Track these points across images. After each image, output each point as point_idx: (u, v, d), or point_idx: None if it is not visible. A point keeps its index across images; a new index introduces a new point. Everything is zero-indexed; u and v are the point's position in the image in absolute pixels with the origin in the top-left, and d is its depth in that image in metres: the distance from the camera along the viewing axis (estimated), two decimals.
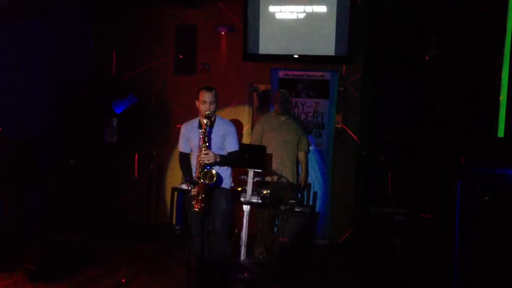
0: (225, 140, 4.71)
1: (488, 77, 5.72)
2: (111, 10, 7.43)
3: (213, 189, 4.63)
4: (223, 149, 4.72)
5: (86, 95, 7.11)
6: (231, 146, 4.73)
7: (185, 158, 4.80)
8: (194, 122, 4.74)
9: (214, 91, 4.67)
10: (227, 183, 4.77)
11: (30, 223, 6.22)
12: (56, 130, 6.71)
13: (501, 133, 5.32)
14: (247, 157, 5.62)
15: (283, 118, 6.16)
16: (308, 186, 6.48)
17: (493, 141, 5.33)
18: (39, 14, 6.34)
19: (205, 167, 4.48)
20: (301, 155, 6.24)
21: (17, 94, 6.13)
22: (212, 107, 4.62)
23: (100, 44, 7.48)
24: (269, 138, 6.07)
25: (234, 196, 5.04)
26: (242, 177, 5.76)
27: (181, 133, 4.82)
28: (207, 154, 4.49)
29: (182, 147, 4.83)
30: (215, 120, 4.72)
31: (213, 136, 4.65)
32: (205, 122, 4.51)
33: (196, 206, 4.53)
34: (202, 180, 4.47)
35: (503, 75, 5.39)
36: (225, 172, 4.74)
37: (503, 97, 5.29)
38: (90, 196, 7.03)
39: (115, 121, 6.94)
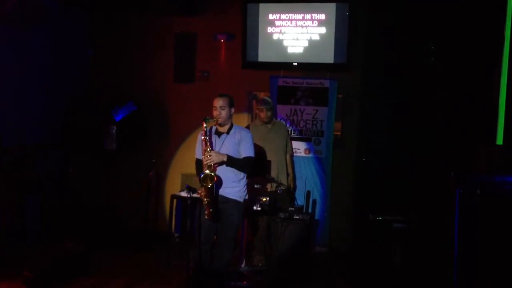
0: (239, 146, 4.70)
1: (487, 84, 5.73)
2: (111, 18, 7.45)
3: (226, 200, 4.61)
4: (239, 156, 4.70)
5: (85, 102, 7.12)
6: (244, 151, 4.69)
7: (200, 165, 4.70)
8: (212, 129, 4.74)
9: (226, 97, 4.71)
10: (241, 195, 4.73)
11: (29, 231, 6.21)
12: (55, 137, 6.72)
13: (499, 140, 5.32)
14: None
15: (269, 126, 6.17)
16: (307, 193, 6.48)
17: (491, 149, 5.34)
18: (39, 22, 6.36)
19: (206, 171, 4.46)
20: (287, 158, 6.26)
21: (16, 101, 6.15)
22: (224, 112, 4.64)
23: (100, 52, 7.50)
24: (260, 147, 6.05)
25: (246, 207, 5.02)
26: None
27: (197, 140, 4.80)
28: (210, 155, 4.48)
29: (197, 153, 4.81)
30: (231, 127, 4.74)
31: (228, 143, 4.66)
32: (205, 125, 4.51)
33: (206, 211, 4.54)
34: (204, 185, 4.45)
35: (501, 82, 5.40)
36: (240, 183, 4.71)
37: (501, 104, 5.30)
38: (89, 204, 7.02)
39: (114, 128, 6.94)
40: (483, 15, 5.72)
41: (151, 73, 7.45)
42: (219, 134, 4.70)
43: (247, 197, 4.83)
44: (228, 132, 4.70)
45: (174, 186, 7.17)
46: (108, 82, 7.40)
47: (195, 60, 7.39)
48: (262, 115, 6.12)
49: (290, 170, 6.30)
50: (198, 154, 4.77)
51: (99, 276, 5.48)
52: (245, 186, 4.78)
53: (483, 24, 5.73)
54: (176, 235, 6.73)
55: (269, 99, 6.27)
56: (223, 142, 4.66)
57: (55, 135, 6.74)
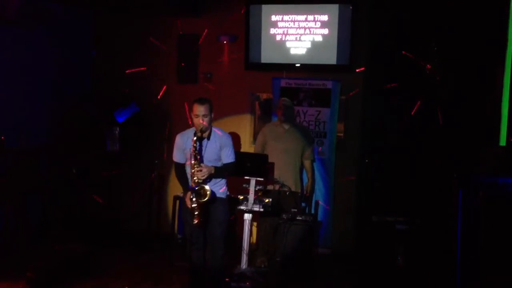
0: (221, 151, 4.70)
1: (490, 85, 5.71)
2: (113, 19, 7.47)
3: (209, 200, 4.62)
4: (220, 161, 4.72)
5: (88, 103, 7.13)
6: (227, 157, 4.71)
7: (180, 168, 4.76)
8: (190, 132, 4.67)
9: (207, 104, 4.60)
10: (223, 192, 4.77)
11: (31, 232, 6.22)
12: (58, 138, 6.73)
13: (502, 141, 5.31)
14: (248, 165, 5.63)
15: (286, 127, 6.16)
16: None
17: (495, 150, 5.32)
18: (41, 23, 6.37)
19: (199, 184, 4.47)
20: (307, 164, 6.24)
21: (19, 102, 6.16)
22: (206, 120, 4.56)
23: (103, 53, 7.51)
24: (272, 147, 6.07)
25: (231, 204, 5.05)
26: (244, 185, 5.75)
27: (176, 144, 4.76)
28: (200, 170, 4.48)
29: (176, 157, 4.78)
30: (211, 132, 4.69)
31: (210, 149, 4.64)
32: (195, 139, 4.48)
33: (195, 220, 4.54)
34: (196, 199, 4.46)
35: (504, 83, 5.40)
36: (220, 182, 4.74)
37: (504, 105, 5.29)
38: (92, 205, 7.03)
39: (117, 129, 6.95)
40: (485, 16, 5.71)
41: (154, 74, 7.46)
42: (200, 139, 4.60)
43: (228, 193, 4.86)
44: (208, 138, 4.66)
45: (176, 187, 7.13)
46: (111, 83, 7.41)
47: (198, 62, 7.40)
48: (280, 112, 6.15)
49: (309, 176, 6.29)
50: (178, 158, 4.76)
51: (102, 277, 5.49)
52: (225, 184, 4.80)
53: (486, 25, 5.72)
54: (179, 236, 6.72)
55: (287, 99, 6.27)
56: (205, 148, 4.63)
57: (58, 136, 6.75)
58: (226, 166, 4.72)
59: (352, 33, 6.67)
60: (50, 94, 6.65)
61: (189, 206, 4.53)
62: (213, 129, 4.73)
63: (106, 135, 6.97)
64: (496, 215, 4.27)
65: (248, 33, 7.03)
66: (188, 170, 4.67)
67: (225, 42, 7.22)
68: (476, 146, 5.59)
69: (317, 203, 6.63)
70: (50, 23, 6.53)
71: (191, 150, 4.50)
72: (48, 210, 6.56)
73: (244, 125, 7.20)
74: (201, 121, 4.54)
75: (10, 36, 6.01)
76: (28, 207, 6.23)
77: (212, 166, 4.59)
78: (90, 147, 6.96)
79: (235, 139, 6.32)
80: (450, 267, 4.47)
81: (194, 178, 4.49)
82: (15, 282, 5.10)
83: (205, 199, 4.45)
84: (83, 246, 5.76)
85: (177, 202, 6.33)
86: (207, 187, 4.47)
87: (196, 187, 4.46)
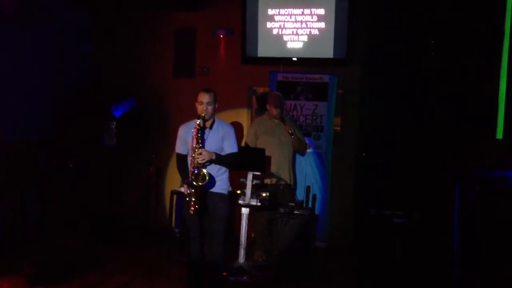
0: (223, 142, 4.70)
1: (487, 79, 5.72)
2: (110, 14, 7.44)
3: (211, 194, 4.61)
4: (222, 151, 4.72)
5: (85, 98, 7.12)
6: (229, 148, 4.68)
7: (182, 160, 4.74)
8: (193, 123, 4.65)
9: (212, 93, 4.62)
10: (224, 188, 4.72)
11: (30, 227, 6.22)
12: (56, 133, 6.73)
13: (499, 135, 5.32)
14: (246, 160, 5.63)
15: (276, 121, 6.15)
16: (307, 188, 6.48)
17: (491, 143, 5.33)
18: (39, 18, 6.35)
19: (198, 168, 4.45)
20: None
21: (16, 97, 6.15)
22: (210, 108, 4.57)
23: (100, 47, 7.49)
24: (264, 141, 6.05)
25: (232, 199, 5.04)
26: (242, 179, 5.76)
27: (178, 135, 4.76)
28: (200, 153, 4.46)
29: (179, 148, 4.76)
30: (214, 122, 4.69)
31: (211, 138, 4.63)
32: (198, 122, 4.48)
33: (191, 207, 4.51)
34: (195, 183, 4.45)
35: (501, 76, 5.40)
36: (222, 176, 4.70)
37: (501, 98, 5.30)
38: (89, 200, 7.03)
39: (114, 124, 6.94)
40: (483, 9, 5.71)
41: (151, 69, 7.45)
42: (202, 129, 4.59)
43: (230, 189, 4.82)
44: (211, 127, 4.65)
45: (174, 182, 7.17)
46: (108, 77, 7.40)
47: (195, 56, 7.39)
48: (275, 110, 6.09)
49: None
50: (180, 149, 4.75)
51: (100, 272, 5.49)
52: (228, 178, 4.77)
53: (483, 18, 5.72)
54: (176, 230, 6.74)
55: (280, 95, 6.25)
56: (207, 137, 4.63)
57: (56, 131, 6.74)
58: (228, 155, 4.69)
59: (349, 26, 6.66)
60: (48, 90, 6.64)
61: (186, 192, 4.51)
62: (216, 119, 4.74)
63: (103, 129, 6.96)
64: (493, 209, 4.29)
65: (244, 27, 7.01)
66: (189, 160, 4.66)
67: (221, 36, 7.20)
68: (473, 140, 5.60)
69: (314, 197, 6.64)
70: (47, 18, 6.51)
71: (193, 133, 4.49)
72: (46, 205, 6.56)
73: (241, 119, 7.20)
74: (205, 108, 4.54)
75: (8, 31, 5.99)
76: (26, 202, 6.23)
77: (214, 152, 4.56)
78: (87, 141, 6.95)
79: None
80: (448, 260, 4.49)
81: (194, 162, 4.47)
82: (14, 278, 5.10)
83: (203, 183, 4.43)
84: (81, 241, 5.76)
85: (175, 196, 6.33)
86: (205, 170, 4.45)
87: (196, 170, 4.44)
